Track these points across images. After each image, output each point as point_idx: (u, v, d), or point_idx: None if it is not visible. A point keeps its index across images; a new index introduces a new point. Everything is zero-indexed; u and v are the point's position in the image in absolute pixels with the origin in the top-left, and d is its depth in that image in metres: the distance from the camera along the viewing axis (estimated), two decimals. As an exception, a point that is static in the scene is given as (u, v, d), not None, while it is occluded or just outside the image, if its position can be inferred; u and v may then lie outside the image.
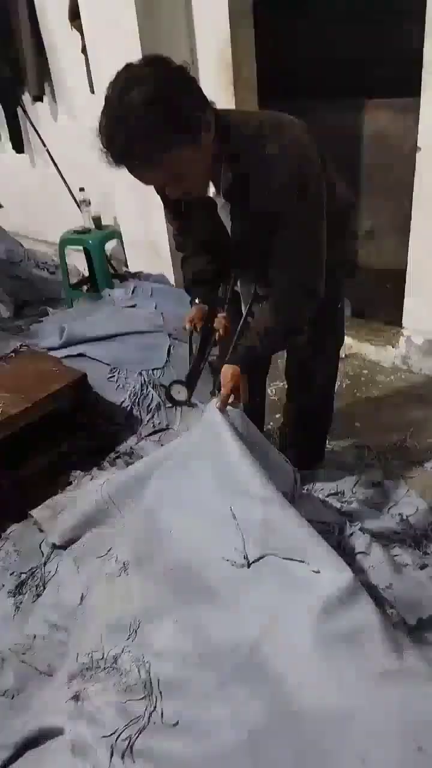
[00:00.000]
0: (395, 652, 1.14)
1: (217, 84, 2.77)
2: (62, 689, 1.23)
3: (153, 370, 2.61)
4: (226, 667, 1.12)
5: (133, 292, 3.11)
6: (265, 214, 1.35)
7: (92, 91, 3.26)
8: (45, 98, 3.75)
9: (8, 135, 4.06)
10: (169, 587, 1.30)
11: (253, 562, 1.31)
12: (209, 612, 1.23)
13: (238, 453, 1.37)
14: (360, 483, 2.07)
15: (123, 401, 2.51)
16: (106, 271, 3.48)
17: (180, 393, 1.54)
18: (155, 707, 1.09)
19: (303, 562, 1.27)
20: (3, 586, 1.80)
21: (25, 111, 3.94)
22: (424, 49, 2.15)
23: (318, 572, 1.24)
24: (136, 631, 1.23)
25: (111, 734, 1.07)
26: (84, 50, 3.16)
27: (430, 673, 1.13)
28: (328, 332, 1.79)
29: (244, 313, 1.61)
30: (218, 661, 1.14)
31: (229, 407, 1.46)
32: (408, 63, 2.32)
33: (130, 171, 1.22)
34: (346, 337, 2.12)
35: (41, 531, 1.90)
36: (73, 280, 3.92)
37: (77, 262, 3.93)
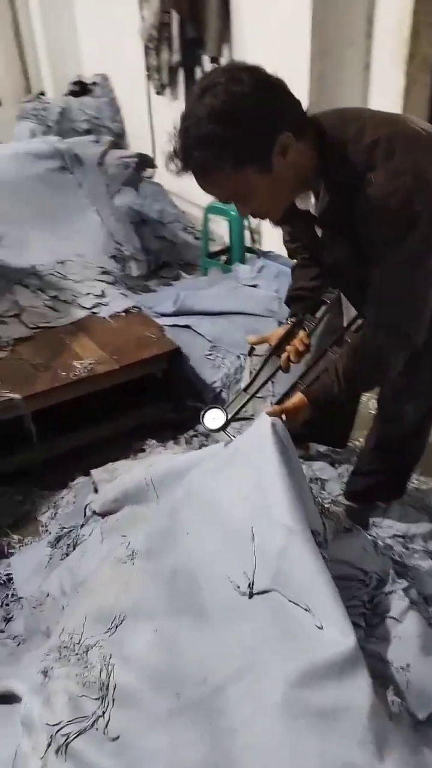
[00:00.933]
0: (376, 746, 0.98)
1: (391, 59, 2.50)
2: (39, 658, 1.25)
3: (251, 374, 2.51)
4: (184, 698, 1.05)
5: (259, 271, 3.00)
6: (362, 245, 1.21)
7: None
8: (222, 61, 3.69)
9: (183, 94, 4.09)
10: (165, 591, 1.24)
11: (257, 593, 1.20)
12: (192, 632, 1.16)
13: (276, 472, 1.24)
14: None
15: (215, 382, 2.46)
16: (241, 245, 3.40)
17: (215, 420, 1.42)
18: (104, 713, 1.05)
19: (308, 611, 1.13)
20: (50, 533, 1.89)
21: (203, 71, 3.93)
22: None
23: (321, 628, 1.10)
24: (117, 627, 1.19)
25: (55, 724, 1.06)
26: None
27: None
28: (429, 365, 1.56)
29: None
30: (179, 688, 1.07)
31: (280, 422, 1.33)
32: None
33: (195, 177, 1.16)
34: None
35: (95, 491, 1.94)
36: (216, 248, 3.91)
37: (225, 232, 3.91)
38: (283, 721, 0.97)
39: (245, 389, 1.46)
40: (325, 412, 1.35)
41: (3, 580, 1.74)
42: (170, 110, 4.47)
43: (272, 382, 1.58)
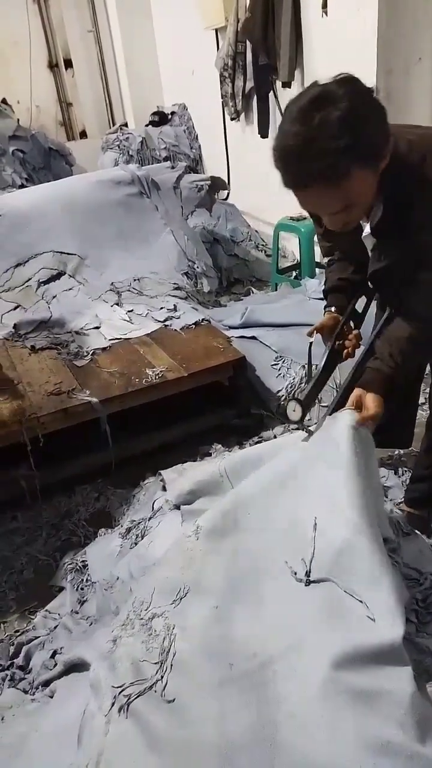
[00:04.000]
0: (417, 730, 1.01)
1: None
2: (110, 629, 1.37)
3: (316, 365, 2.57)
4: (235, 669, 1.13)
5: (326, 285, 3.06)
6: (414, 251, 1.29)
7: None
8: (294, 84, 3.83)
9: (256, 119, 4.25)
10: (226, 570, 1.32)
11: (313, 581, 1.26)
12: (247, 611, 1.23)
13: (351, 470, 1.28)
14: None
15: (279, 391, 2.54)
16: (311, 260, 3.48)
17: (295, 412, 1.46)
18: (162, 677, 1.15)
19: (362, 602, 1.18)
20: (121, 526, 2.03)
21: (276, 96, 4.08)
22: None
23: (373, 620, 1.15)
24: (181, 599, 1.29)
25: (119, 686, 1.17)
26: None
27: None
28: None
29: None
30: (232, 659, 1.15)
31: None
32: None
33: (300, 193, 1.19)
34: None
35: (164, 489, 2.07)
36: (287, 264, 4.02)
37: (295, 248, 4.01)
38: (323, 697, 1.03)
39: (318, 382, 1.52)
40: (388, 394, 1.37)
41: (79, 567, 1.89)
42: (244, 135, 4.66)
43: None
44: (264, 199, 4.67)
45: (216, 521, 1.39)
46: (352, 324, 1.59)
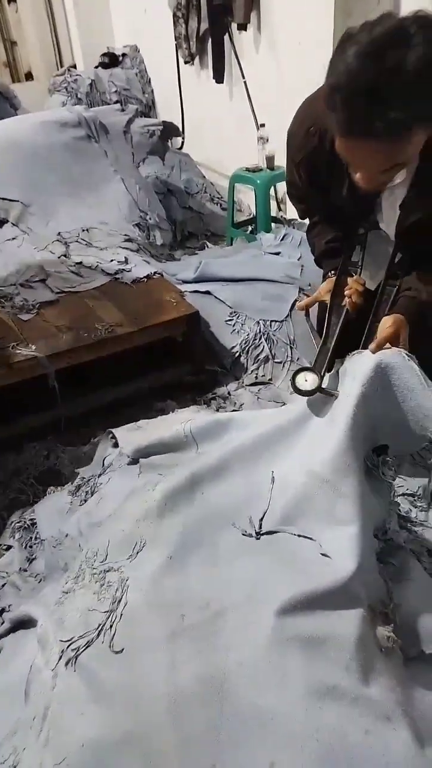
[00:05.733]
0: (361, 673, 1.04)
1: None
2: (60, 584, 1.34)
3: (271, 321, 2.55)
4: (188, 620, 1.12)
5: (282, 239, 3.02)
6: None
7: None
8: (250, 27, 3.66)
9: (211, 63, 4.07)
10: (182, 524, 1.30)
11: (263, 533, 1.26)
12: (201, 563, 1.23)
13: (342, 419, 1.20)
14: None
15: (234, 347, 2.51)
16: (267, 214, 3.41)
17: (308, 381, 1.30)
18: (111, 626, 1.14)
19: (314, 541, 1.19)
20: (71, 483, 1.99)
21: (231, 39, 3.90)
22: None
23: (328, 557, 1.16)
24: (138, 553, 1.27)
25: (67, 640, 1.15)
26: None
27: (390, 710, 1.01)
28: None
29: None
30: (184, 611, 1.14)
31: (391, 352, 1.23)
32: None
33: (352, 139, 1.06)
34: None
35: (114, 446, 2.03)
36: (242, 218, 3.93)
37: (251, 201, 3.92)
38: (271, 644, 1.04)
39: (324, 345, 1.38)
40: (418, 324, 1.29)
41: (27, 525, 1.84)
42: (199, 79, 4.47)
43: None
44: (219, 149, 4.54)
45: (179, 479, 1.36)
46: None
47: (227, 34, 3.90)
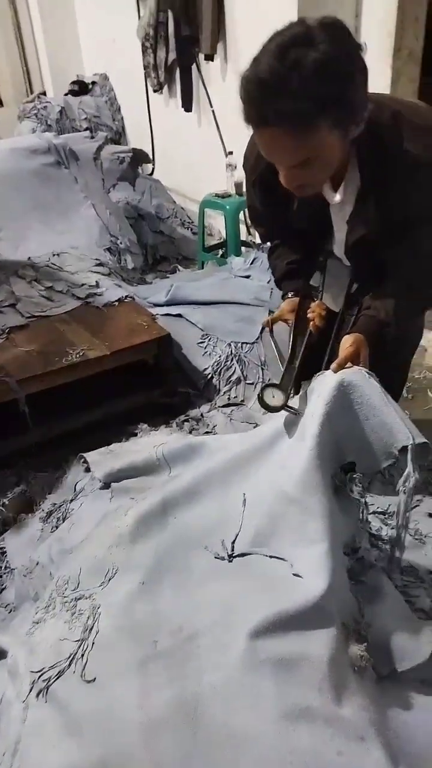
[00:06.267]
0: (334, 692, 1.04)
1: (378, 53, 2.57)
2: (30, 613, 1.32)
3: (243, 343, 2.58)
4: (160, 645, 1.12)
5: (252, 263, 3.07)
6: (395, 221, 1.26)
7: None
8: (217, 58, 3.76)
9: (179, 92, 4.16)
10: (154, 549, 1.30)
11: (235, 556, 1.27)
12: (174, 587, 1.23)
13: (307, 439, 1.23)
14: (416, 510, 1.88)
15: (206, 369, 2.53)
16: (236, 238, 3.47)
17: (275, 398, 1.32)
18: (83, 655, 1.12)
19: (285, 561, 1.20)
20: (42, 511, 1.97)
21: (199, 69, 4.00)
22: None
23: (300, 576, 1.17)
24: (110, 580, 1.26)
25: (38, 671, 1.13)
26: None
27: (363, 730, 1.01)
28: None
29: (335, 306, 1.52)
30: (156, 637, 1.13)
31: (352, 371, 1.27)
32: None
33: (260, 131, 1.11)
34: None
35: (87, 471, 2.01)
36: (213, 242, 3.99)
37: (221, 226, 3.98)
38: (244, 667, 1.04)
39: (290, 363, 1.39)
40: (377, 345, 1.32)
41: (-4, 554, 1.81)
42: (167, 108, 4.56)
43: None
44: (189, 175, 4.61)
45: (152, 503, 1.36)
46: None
47: (195, 63, 4.01)
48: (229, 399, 2.50)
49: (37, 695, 1.09)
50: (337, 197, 1.31)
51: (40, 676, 1.11)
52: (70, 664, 1.11)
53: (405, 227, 1.28)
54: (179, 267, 3.80)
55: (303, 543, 1.20)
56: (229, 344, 2.56)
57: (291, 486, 1.23)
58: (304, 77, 1.01)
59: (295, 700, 1.01)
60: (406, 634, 1.25)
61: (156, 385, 2.48)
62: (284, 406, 1.32)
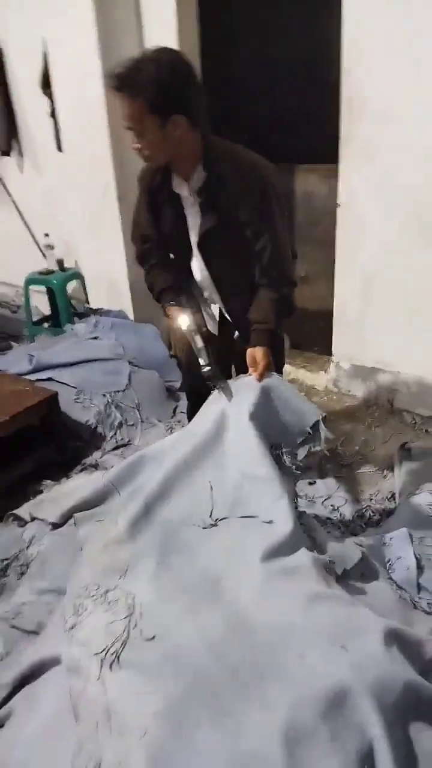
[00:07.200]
0: (325, 582, 1.47)
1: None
2: (59, 626, 1.48)
3: (115, 392, 2.91)
4: (195, 594, 1.42)
5: (95, 325, 3.42)
6: (236, 208, 1.71)
7: (59, 149, 3.65)
8: (12, 153, 4.12)
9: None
10: (152, 539, 1.58)
11: (219, 520, 1.63)
12: (182, 557, 1.54)
13: (246, 431, 1.67)
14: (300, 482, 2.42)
15: (88, 420, 2.79)
16: (68, 309, 3.79)
17: (224, 389, 1.78)
18: (135, 624, 1.37)
19: (256, 517, 1.60)
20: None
21: (-8, 165, 4.30)
22: (341, 127, 2.66)
23: (270, 522, 1.57)
24: (126, 572, 1.51)
25: (101, 651, 1.33)
26: (52, 114, 3.56)
27: (351, 599, 1.46)
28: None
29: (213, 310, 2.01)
30: (189, 589, 1.43)
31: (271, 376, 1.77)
32: (330, 137, 2.82)
33: (114, 94, 1.57)
34: (286, 365, 2.49)
35: (21, 526, 2.13)
36: (35, 318, 4.21)
37: (38, 302, 4.24)
38: (265, 582, 1.42)
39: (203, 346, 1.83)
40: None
41: None
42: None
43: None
44: (0, 260, 4.78)
45: (136, 509, 1.64)
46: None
47: (-11, 160, 4.29)
48: (116, 442, 2.79)
49: (110, 667, 1.30)
50: (185, 191, 1.78)
51: (106, 654, 1.32)
52: (128, 636, 1.34)
53: (249, 223, 1.73)
54: (12, 342, 3.95)
55: (267, 500, 1.62)
56: (104, 395, 2.87)
57: (244, 464, 1.66)
58: (146, 67, 1.52)
59: (307, 590, 1.41)
60: (341, 547, 1.74)
61: (45, 444, 2.66)
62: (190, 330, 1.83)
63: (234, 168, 1.70)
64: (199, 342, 1.82)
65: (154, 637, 1.35)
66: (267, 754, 1.14)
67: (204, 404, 1.84)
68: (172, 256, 2.01)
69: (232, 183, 1.70)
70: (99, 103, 3.13)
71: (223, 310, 2.04)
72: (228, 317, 2.04)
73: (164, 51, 1.59)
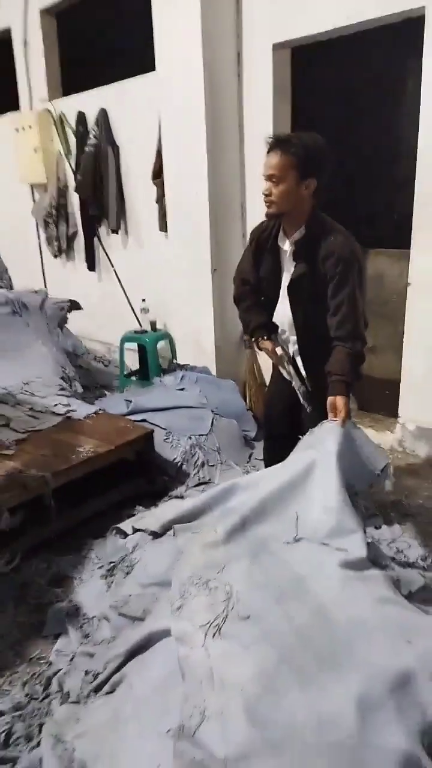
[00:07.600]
0: (393, 591, 1.72)
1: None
2: (165, 610, 1.78)
3: (199, 435, 3.28)
4: (283, 587, 1.70)
5: (181, 378, 3.85)
6: (324, 263, 2.12)
7: (161, 229, 4.24)
8: (120, 231, 4.78)
9: (84, 257, 5.08)
10: (244, 546, 1.88)
11: (300, 539, 1.91)
12: (271, 558, 1.83)
13: (330, 465, 1.98)
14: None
15: (175, 458, 3.15)
16: (157, 364, 4.26)
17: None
18: (233, 607, 1.65)
19: (328, 545, 1.87)
20: (92, 577, 2.35)
21: (100, 239, 4.98)
22: (413, 217, 3.07)
23: (346, 550, 1.84)
24: (223, 568, 1.80)
25: (205, 624, 1.62)
26: (158, 200, 4.19)
27: (413, 607, 1.70)
28: None
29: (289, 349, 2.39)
30: (277, 584, 1.71)
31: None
32: (403, 223, 3.24)
33: (268, 153, 2.10)
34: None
35: (123, 538, 2.45)
36: (126, 371, 4.71)
37: (128, 358, 4.75)
38: (342, 582, 1.68)
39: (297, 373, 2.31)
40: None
41: (72, 611, 2.15)
42: (64, 269, 5.43)
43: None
44: (97, 321, 5.39)
45: (234, 521, 1.95)
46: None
47: (96, 235, 4.98)
48: (198, 479, 3.12)
49: (213, 636, 1.58)
50: (286, 245, 2.23)
51: (209, 627, 1.61)
52: (227, 614, 1.63)
53: (333, 277, 2.11)
54: (106, 392, 4.43)
55: (344, 532, 1.89)
56: (189, 437, 3.24)
57: (328, 499, 1.95)
58: (296, 142, 2.06)
59: (378, 594, 1.66)
60: (406, 573, 1.98)
61: (139, 476, 3.02)
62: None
63: (330, 234, 2.13)
64: (291, 369, 2.19)
65: (248, 617, 1.63)
66: (343, 715, 1.38)
67: (296, 447, 2.16)
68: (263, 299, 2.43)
69: (326, 244, 2.12)
70: (203, 194, 3.69)
71: (295, 349, 2.41)
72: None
73: (312, 133, 2.12)
